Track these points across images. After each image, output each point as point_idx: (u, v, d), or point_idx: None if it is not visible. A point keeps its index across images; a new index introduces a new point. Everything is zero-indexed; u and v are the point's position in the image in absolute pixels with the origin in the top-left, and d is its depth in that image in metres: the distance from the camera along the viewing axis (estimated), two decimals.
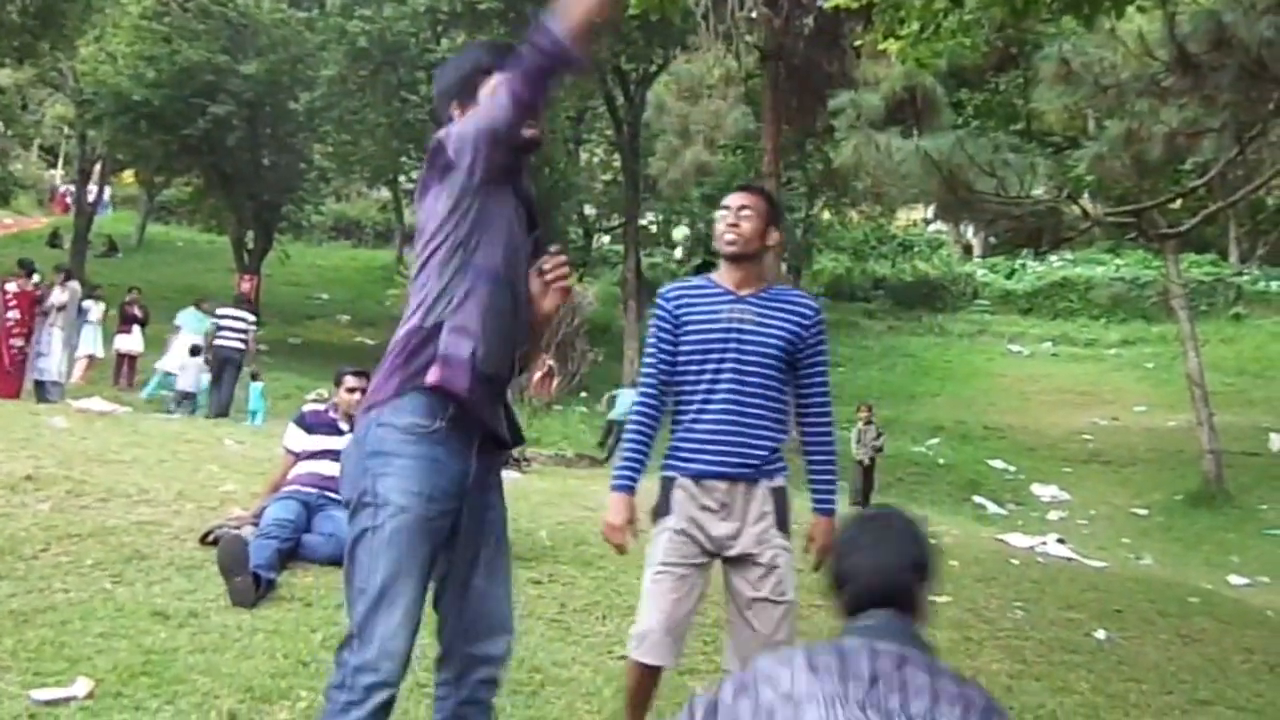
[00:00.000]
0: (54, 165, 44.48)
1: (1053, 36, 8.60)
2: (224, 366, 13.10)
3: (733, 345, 2.95)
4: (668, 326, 3.04)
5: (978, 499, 16.54)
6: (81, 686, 3.03)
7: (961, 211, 6.92)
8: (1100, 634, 5.62)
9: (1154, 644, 5.71)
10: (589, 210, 32.92)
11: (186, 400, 13.27)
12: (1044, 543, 9.37)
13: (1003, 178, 6.07)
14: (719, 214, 3.10)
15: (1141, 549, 13.67)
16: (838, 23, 14.96)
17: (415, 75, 21.37)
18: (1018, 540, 9.46)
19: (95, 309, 14.59)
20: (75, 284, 12.67)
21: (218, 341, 13.12)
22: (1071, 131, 7.86)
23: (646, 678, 3.00)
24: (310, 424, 5.28)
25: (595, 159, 33.52)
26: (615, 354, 21.90)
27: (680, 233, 12.78)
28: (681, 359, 3.00)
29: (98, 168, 30.48)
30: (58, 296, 12.03)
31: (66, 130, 35.78)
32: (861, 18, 9.95)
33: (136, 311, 15.65)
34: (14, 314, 11.52)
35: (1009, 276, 32.65)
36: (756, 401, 2.96)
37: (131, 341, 15.46)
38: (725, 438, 2.94)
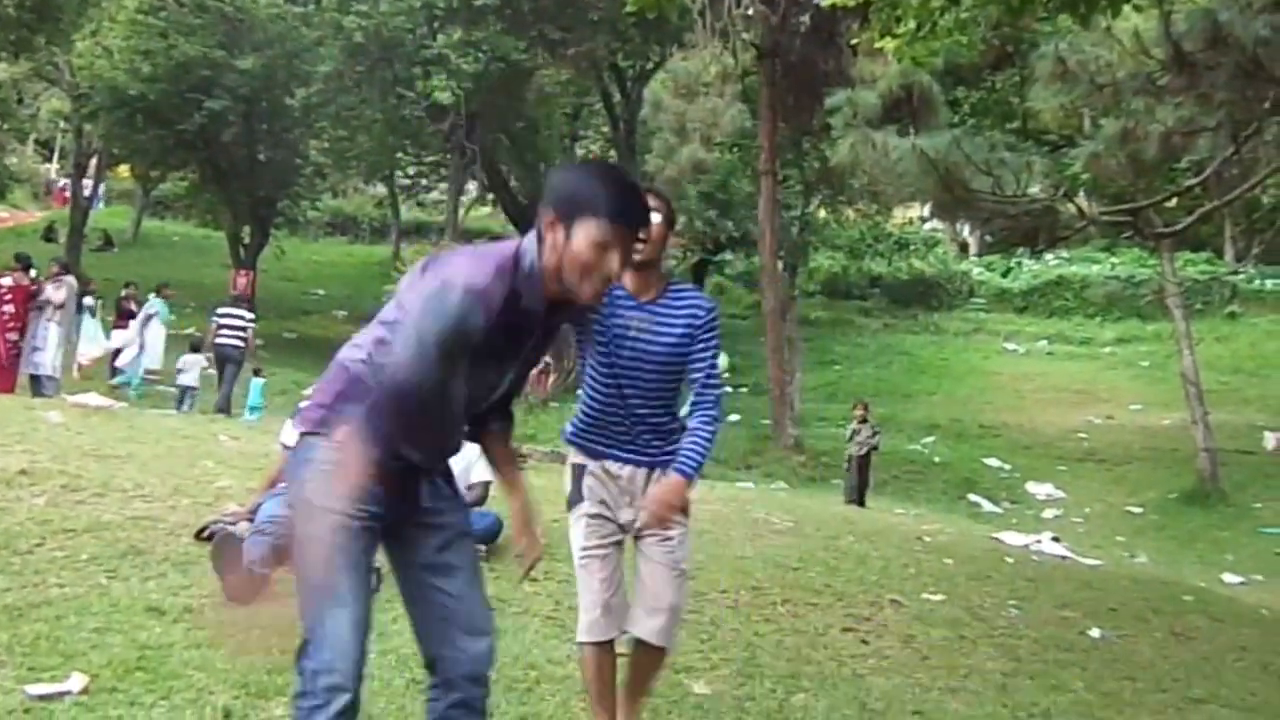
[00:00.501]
0: (49, 160, 44.38)
1: (1049, 35, 8.61)
2: (224, 364, 13.36)
3: (629, 349, 3.13)
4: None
5: (973, 497, 16.57)
6: (76, 681, 3.03)
7: (958, 210, 6.92)
8: (1095, 632, 5.63)
9: (1148, 642, 5.73)
10: None
11: (188, 394, 13.38)
12: (1039, 541, 9.38)
13: (999, 176, 6.07)
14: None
15: (1136, 547, 13.71)
16: (834, 20, 14.97)
17: (411, 71, 21.35)
18: (1013, 539, 9.48)
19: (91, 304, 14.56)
20: (71, 278, 12.64)
21: (217, 340, 13.39)
22: (1067, 130, 7.87)
23: (603, 657, 3.20)
24: None
25: (591, 155, 33.48)
26: None
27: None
28: (590, 356, 3.22)
29: (93, 162, 30.41)
30: (54, 292, 12.00)
31: (62, 124, 35.73)
32: (858, 15, 9.96)
33: (132, 306, 15.63)
34: (9, 308, 11.49)
35: (1005, 275, 32.68)
36: (654, 399, 3.18)
37: (123, 336, 15.43)
38: (626, 431, 3.18)
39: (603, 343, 3.17)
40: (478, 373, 2.23)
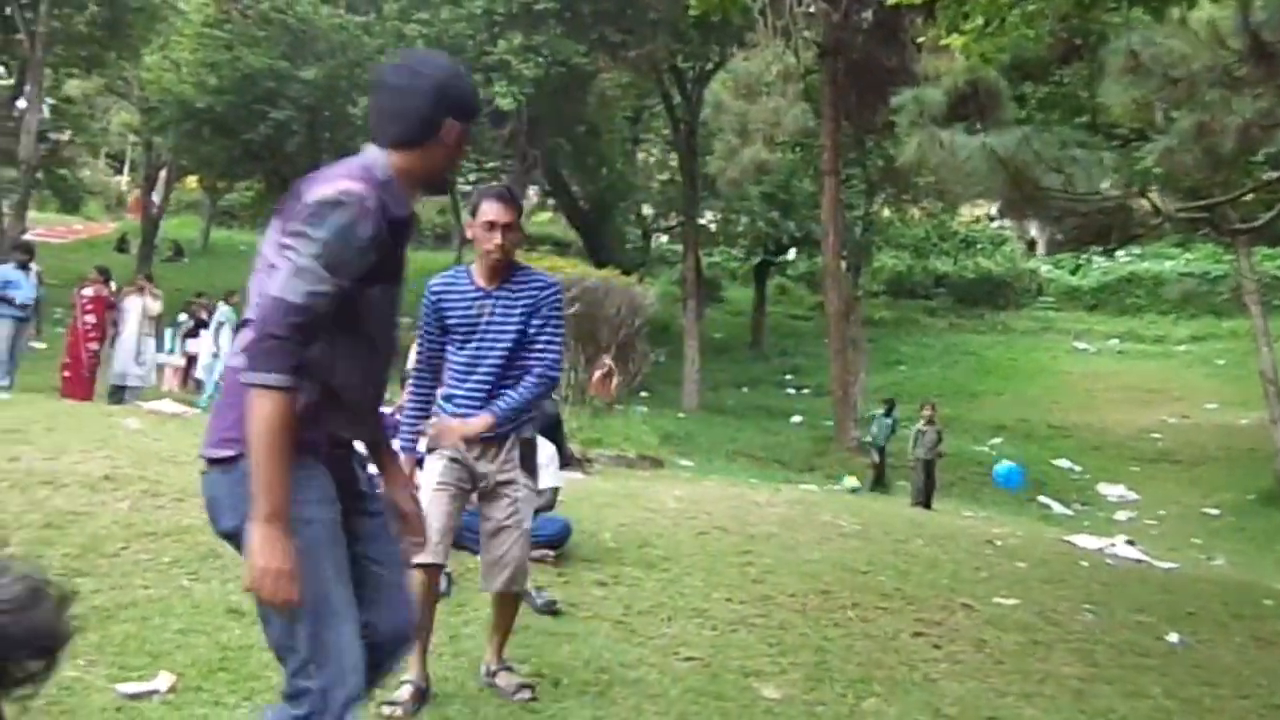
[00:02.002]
0: (120, 172, 45.64)
1: (1119, 27, 8.42)
2: None
3: (480, 332, 3.51)
4: (430, 314, 3.62)
5: (1042, 499, 16.27)
6: (164, 681, 3.12)
7: (1028, 209, 6.80)
8: (1173, 637, 5.50)
9: (1228, 647, 5.57)
10: (646, 210, 32.96)
11: None
12: (1113, 544, 9.17)
13: (1070, 173, 5.95)
14: (480, 223, 3.50)
15: (1213, 550, 13.34)
16: (897, 17, 14.81)
17: (472, 77, 21.54)
18: (1085, 541, 9.28)
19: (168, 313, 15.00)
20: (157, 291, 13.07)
21: None
22: (1139, 124, 7.68)
23: (429, 579, 3.48)
24: None
25: (652, 158, 33.53)
26: (676, 353, 21.90)
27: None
28: (448, 338, 3.58)
29: (163, 174, 31.20)
30: (151, 303, 12.40)
31: (132, 138, 36.72)
32: (922, 12, 9.84)
33: (203, 315, 16.02)
34: (90, 319, 11.84)
35: (1074, 273, 32.06)
36: (505, 373, 3.51)
37: (198, 345, 15.84)
38: (481, 404, 3.50)
39: (455, 329, 3.55)
40: (387, 299, 2.19)
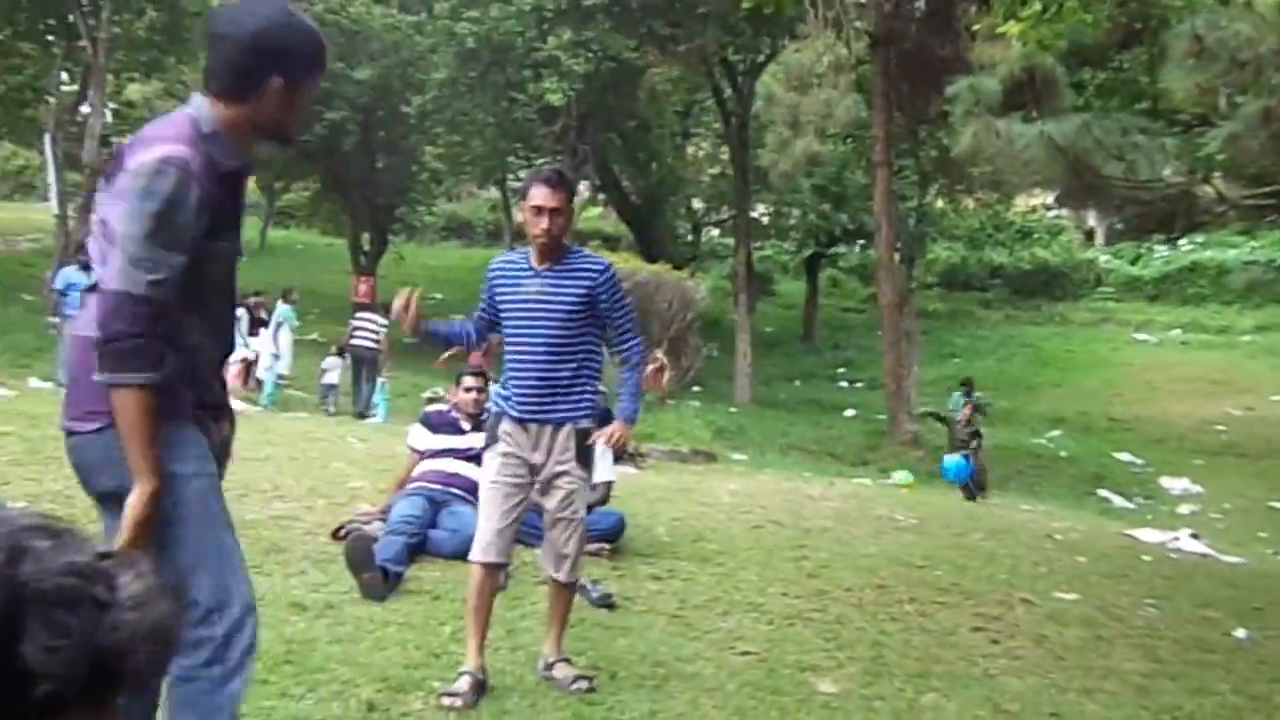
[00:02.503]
0: None
1: (1181, 10, 8.23)
2: (360, 365, 14.15)
3: (533, 313, 3.53)
4: (486, 292, 3.68)
5: (1103, 492, 15.97)
6: None
7: (1088, 197, 6.68)
8: (1240, 633, 5.38)
9: None
10: (697, 204, 32.89)
11: (331, 392, 14.53)
12: (1176, 538, 8.99)
13: (1131, 161, 5.82)
14: (529, 207, 3.52)
15: None
16: (950, 5, 14.63)
17: (522, 74, 21.65)
18: (1148, 535, 9.11)
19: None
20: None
21: (353, 342, 14.33)
22: (1202, 109, 7.50)
23: (488, 577, 3.55)
24: (434, 423, 5.43)
25: (702, 152, 33.44)
26: (728, 348, 21.85)
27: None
28: (500, 322, 3.64)
29: None
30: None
31: None
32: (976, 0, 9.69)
33: (263, 314, 16.28)
34: None
35: (1134, 262, 31.42)
36: (558, 359, 3.53)
37: (258, 344, 16.10)
38: (534, 391, 3.54)
39: (509, 311, 3.58)
40: (228, 250, 2.18)
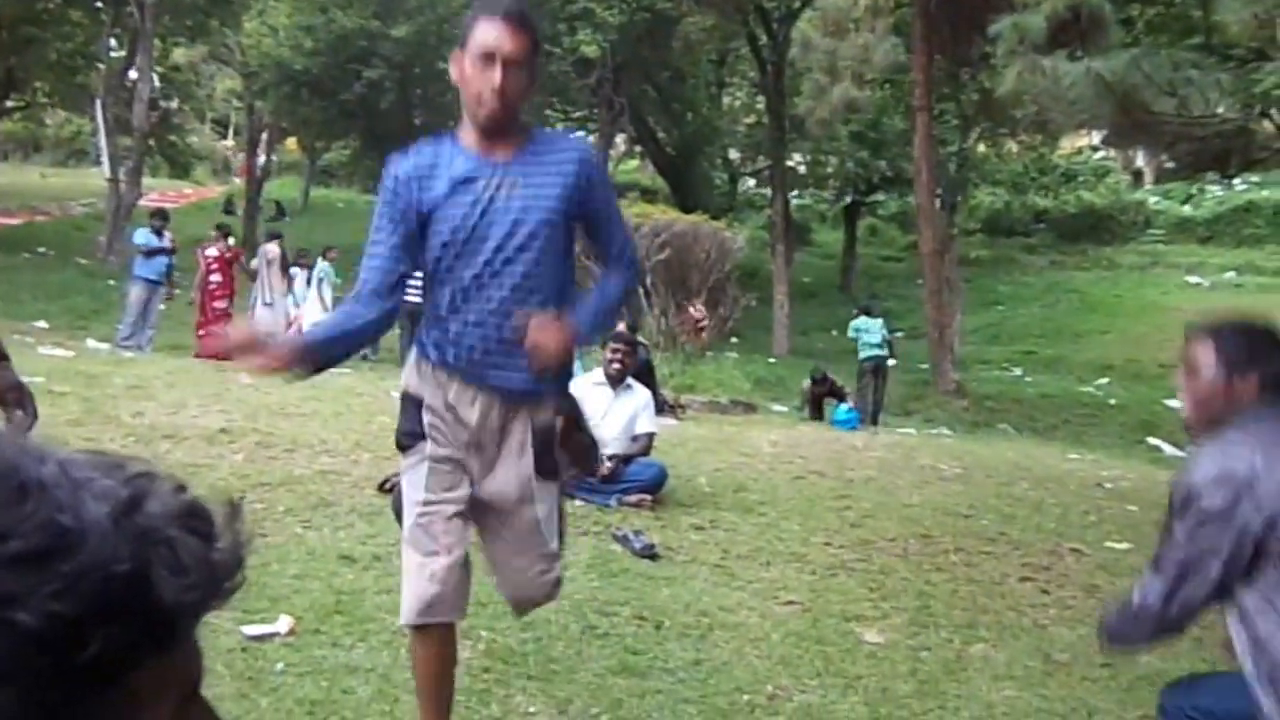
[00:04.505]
0: (225, 137, 46.91)
1: None
2: (405, 320, 14.21)
3: (483, 228, 2.30)
4: (390, 210, 2.34)
5: (1153, 441, 15.75)
6: (284, 623, 3.26)
7: (1138, 136, 6.50)
8: None
9: None
10: (733, 154, 32.55)
11: (374, 344, 14.32)
12: None
13: (1184, 96, 5.65)
14: (473, 56, 2.24)
15: None
16: None
17: (557, 27, 21.45)
18: None
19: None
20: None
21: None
22: (1258, 42, 7.24)
23: (439, 641, 2.49)
24: None
25: (738, 102, 33.02)
26: (766, 299, 21.70)
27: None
28: (425, 246, 2.35)
29: (264, 136, 32.01)
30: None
31: (235, 103, 37.69)
32: None
33: (298, 271, 16.42)
34: (216, 277, 12.33)
35: (1185, 203, 30.65)
36: (527, 297, 2.31)
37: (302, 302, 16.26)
38: (498, 343, 2.34)
39: (445, 228, 2.30)
40: None
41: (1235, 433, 2.03)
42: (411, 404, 2.45)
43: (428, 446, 2.40)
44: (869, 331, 14.22)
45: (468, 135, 2.33)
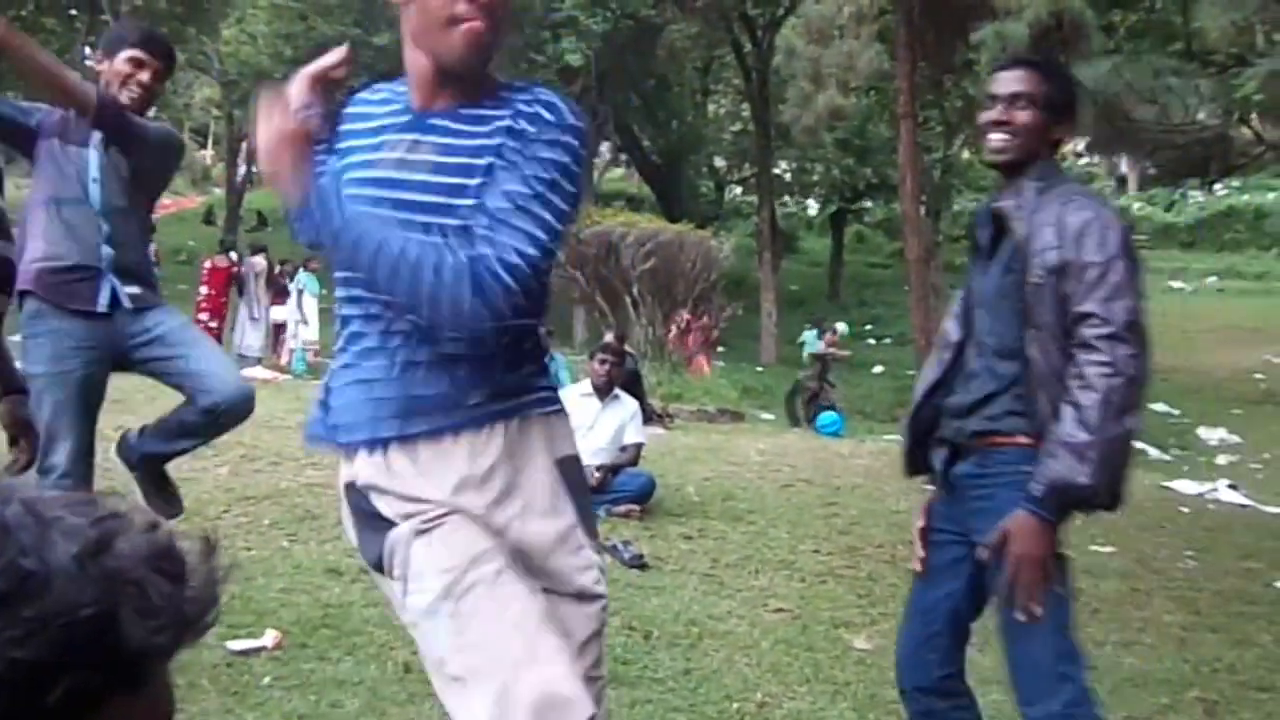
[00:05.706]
0: (204, 146, 46.75)
1: None
2: None
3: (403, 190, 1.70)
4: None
5: (1137, 444, 15.84)
6: (270, 638, 3.23)
7: (1119, 143, 6.54)
8: None
9: None
10: (719, 162, 32.63)
11: None
12: (1214, 489, 8.89)
13: (1164, 104, 5.69)
14: None
15: None
16: None
17: (541, 35, 21.49)
18: (1185, 487, 9.01)
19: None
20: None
21: None
22: (1238, 49, 7.31)
23: None
24: None
25: (723, 109, 33.11)
26: (753, 307, 21.74)
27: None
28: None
29: (244, 146, 31.91)
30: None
31: (215, 111, 37.56)
32: None
33: (287, 282, 16.36)
34: (204, 289, 12.29)
35: (1168, 209, 30.91)
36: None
37: (284, 312, 16.19)
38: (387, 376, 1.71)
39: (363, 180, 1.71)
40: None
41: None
42: None
43: None
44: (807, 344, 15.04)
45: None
